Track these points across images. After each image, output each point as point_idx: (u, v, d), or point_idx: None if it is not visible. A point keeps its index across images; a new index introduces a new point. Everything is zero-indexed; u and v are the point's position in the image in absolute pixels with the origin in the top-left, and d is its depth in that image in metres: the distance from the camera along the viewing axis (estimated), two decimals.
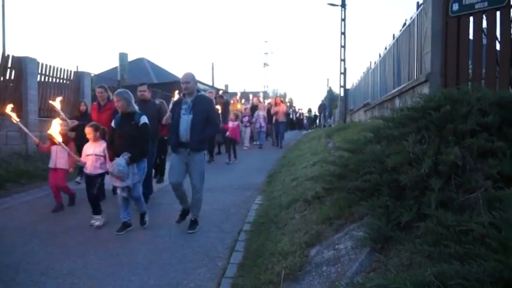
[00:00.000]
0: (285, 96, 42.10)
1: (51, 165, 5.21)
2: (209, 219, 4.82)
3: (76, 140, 5.79)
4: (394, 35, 8.43)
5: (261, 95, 24.03)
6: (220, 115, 8.43)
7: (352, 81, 21.96)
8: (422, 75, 5.45)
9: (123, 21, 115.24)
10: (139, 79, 11.84)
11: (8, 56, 8.19)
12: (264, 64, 50.03)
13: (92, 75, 11.65)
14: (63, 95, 9.58)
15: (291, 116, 22.09)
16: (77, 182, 6.64)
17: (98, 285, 3.17)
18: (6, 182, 6.66)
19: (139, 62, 26.26)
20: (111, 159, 4.32)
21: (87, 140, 4.80)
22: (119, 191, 4.35)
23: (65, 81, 9.98)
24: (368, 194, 2.91)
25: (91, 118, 5.85)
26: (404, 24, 7.18)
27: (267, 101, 17.80)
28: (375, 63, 11.49)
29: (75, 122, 5.97)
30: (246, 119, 12.26)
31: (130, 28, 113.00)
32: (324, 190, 4.04)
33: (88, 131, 4.69)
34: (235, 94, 16.48)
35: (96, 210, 4.64)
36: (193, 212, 4.56)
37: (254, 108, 13.75)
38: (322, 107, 26.51)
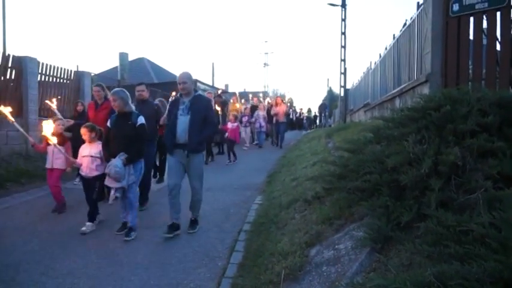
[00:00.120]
0: (284, 96, 42.06)
1: (47, 165, 5.15)
2: (209, 219, 4.83)
3: (72, 141, 5.63)
4: (394, 35, 8.42)
5: (261, 95, 24.05)
6: (220, 116, 8.43)
7: (352, 81, 21.93)
8: (423, 76, 5.45)
9: (124, 21, 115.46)
10: (139, 79, 11.82)
11: (9, 55, 8.18)
12: (264, 64, 49.97)
13: (92, 74, 11.64)
14: (63, 95, 9.64)
15: (291, 116, 22.08)
16: (75, 184, 6.60)
17: (98, 285, 3.18)
18: (6, 181, 6.65)
19: (140, 61, 26.34)
20: (107, 160, 4.23)
21: (83, 141, 4.70)
22: (112, 191, 4.23)
23: (65, 81, 9.96)
24: (368, 194, 2.91)
25: (88, 118, 5.75)
26: (405, 24, 7.17)
27: (266, 100, 17.81)
28: (375, 63, 11.47)
29: (71, 122, 5.90)
30: (245, 119, 12.27)
31: (131, 28, 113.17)
32: (324, 190, 4.04)
33: (83, 131, 4.58)
34: (234, 94, 16.47)
35: (92, 217, 4.54)
36: (193, 213, 4.57)
37: (254, 108, 13.74)
38: (322, 107, 26.52)
